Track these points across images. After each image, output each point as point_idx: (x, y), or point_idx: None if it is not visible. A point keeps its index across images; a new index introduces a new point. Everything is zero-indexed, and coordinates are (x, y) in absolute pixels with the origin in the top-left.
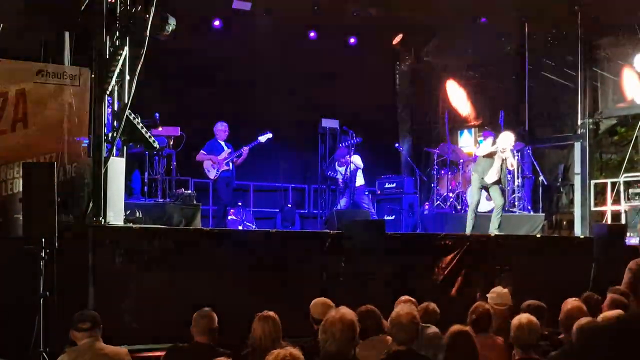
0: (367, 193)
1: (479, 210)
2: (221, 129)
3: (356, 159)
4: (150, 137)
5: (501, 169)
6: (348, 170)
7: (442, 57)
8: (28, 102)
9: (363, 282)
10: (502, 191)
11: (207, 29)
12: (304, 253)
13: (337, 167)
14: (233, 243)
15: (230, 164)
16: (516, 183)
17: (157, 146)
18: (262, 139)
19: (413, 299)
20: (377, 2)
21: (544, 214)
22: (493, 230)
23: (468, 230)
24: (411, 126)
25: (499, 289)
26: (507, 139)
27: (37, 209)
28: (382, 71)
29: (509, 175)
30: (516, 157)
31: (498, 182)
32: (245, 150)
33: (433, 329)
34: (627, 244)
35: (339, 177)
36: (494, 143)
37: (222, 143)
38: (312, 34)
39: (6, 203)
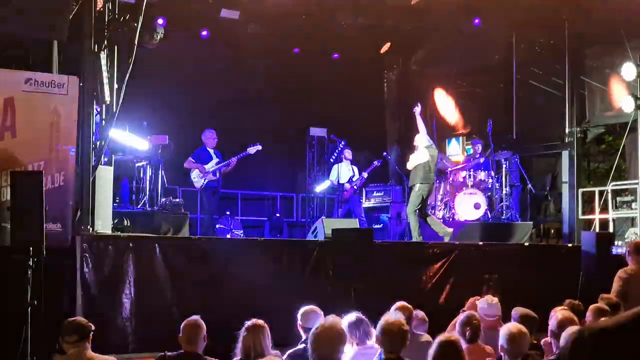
0: (361, 200)
1: (466, 219)
2: (210, 136)
3: (355, 169)
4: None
5: (422, 168)
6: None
7: (430, 66)
8: (16, 110)
9: (351, 290)
10: (427, 194)
11: (195, 38)
12: (292, 262)
13: (339, 173)
14: (222, 251)
15: (217, 173)
16: (504, 192)
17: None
18: (252, 150)
19: (408, 305)
20: (365, 11)
21: (531, 223)
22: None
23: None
24: (399, 135)
25: (489, 298)
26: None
27: (25, 217)
28: (370, 80)
29: (497, 184)
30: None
31: (415, 185)
32: (233, 160)
33: (426, 337)
34: (615, 253)
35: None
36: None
37: (211, 151)
38: (299, 44)
39: None
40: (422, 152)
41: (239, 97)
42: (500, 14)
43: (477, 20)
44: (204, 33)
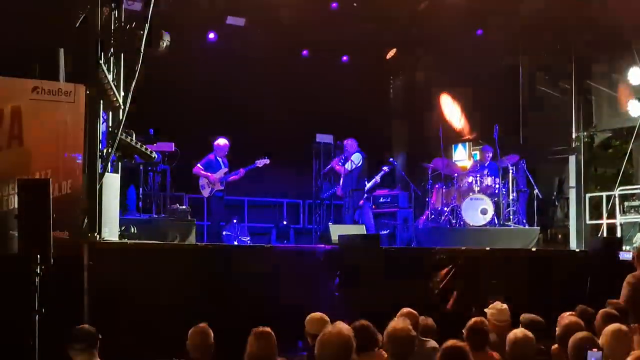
0: (371, 207)
1: (473, 224)
2: (222, 145)
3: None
4: (146, 148)
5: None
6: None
7: (436, 71)
8: (23, 118)
9: (358, 296)
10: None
11: (201, 45)
12: (299, 268)
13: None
14: (228, 259)
15: (224, 182)
16: (511, 197)
17: (155, 156)
18: (260, 164)
19: (414, 311)
20: (371, 16)
21: (539, 228)
22: None
23: None
24: (405, 140)
25: (498, 304)
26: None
27: (33, 225)
28: (376, 86)
29: (503, 189)
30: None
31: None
32: (241, 172)
33: (432, 343)
34: (623, 258)
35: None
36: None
37: (220, 160)
38: (305, 51)
39: (2, 220)
40: (356, 156)
41: (245, 102)
42: (507, 19)
43: (479, 31)
44: (211, 36)
